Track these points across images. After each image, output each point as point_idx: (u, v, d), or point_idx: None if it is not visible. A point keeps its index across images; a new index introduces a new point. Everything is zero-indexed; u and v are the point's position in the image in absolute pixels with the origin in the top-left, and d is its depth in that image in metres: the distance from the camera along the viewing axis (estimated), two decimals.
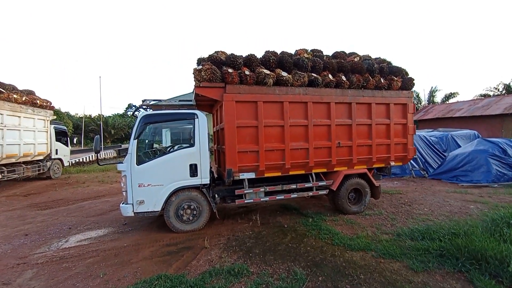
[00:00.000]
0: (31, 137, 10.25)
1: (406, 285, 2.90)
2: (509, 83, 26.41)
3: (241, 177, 4.73)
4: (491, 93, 27.02)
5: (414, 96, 28.73)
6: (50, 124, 11.57)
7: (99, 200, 7.62)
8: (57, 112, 24.44)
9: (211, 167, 4.94)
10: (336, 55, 5.76)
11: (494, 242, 3.20)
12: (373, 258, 3.53)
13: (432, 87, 30.69)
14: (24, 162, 10.26)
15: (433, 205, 6.04)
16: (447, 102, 27.39)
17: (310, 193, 5.24)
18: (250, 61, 4.81)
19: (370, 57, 6.00)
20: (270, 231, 4.69)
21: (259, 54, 5.11)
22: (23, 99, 9.85)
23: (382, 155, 5.56)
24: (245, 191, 4.86)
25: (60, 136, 12.57)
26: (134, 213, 4.45)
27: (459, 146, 10.54)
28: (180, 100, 5.23)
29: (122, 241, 4.45)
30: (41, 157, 11.06)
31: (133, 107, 54.92)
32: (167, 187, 4.52)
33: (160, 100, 5.07)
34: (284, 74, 4.82)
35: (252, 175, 4.81)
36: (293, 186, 5.12)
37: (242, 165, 4.67)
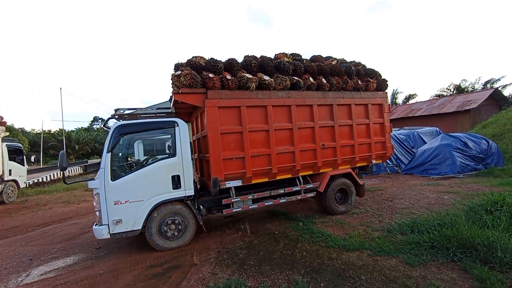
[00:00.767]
0: None
1: (407, 280, 2.91)
2: (459, 84, 29.49)
3: (227, 186, 4.57)
4: (445, 93, 29.91)
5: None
6: (2, 141, 10.28)
7: (65, 223, 6.83)
8: (9, 129, 22.00)
9: (194, 178, 4.70)
10: (315, 58, 5.88)
11: (479, 230, 3.37)
12: (370, 257, 3.52)
13: (394, 90, 33.15)
14: None
15: (412, 198, 6.33)
16: (408, 103, 29.71)
17: (299, 197, 5.21)
18: (231, 65, 4.70)
19: (345, 60, 6.20)
20: (261, 239, 4.52)
21: (239, 58, 5.04)
22: None
23: (364, 154, 5.72)
24: (233, 200, 4.70)
25: (15, 154, 11.20)
26: (110, 234, 4.03)
27: (425, 142, 11.36)
28: (157, 108, 4.90)
29: (97, 268, 3.96)
30: None
31: (99, 120, 51.77)
32: (148, 202, 4.18)
33: (135, 109, 4.71)
34: (266, 78, 4.79)
35: (239, 183, 4.67)
36: (281, 191, 5.05)
37: (228, 173, 4.52)
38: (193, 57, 4.89)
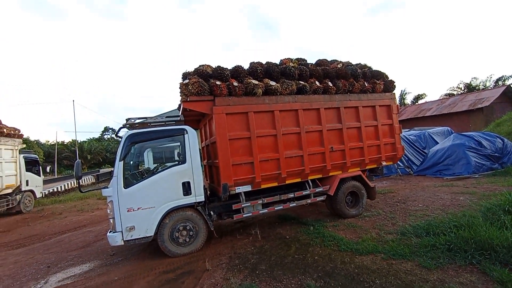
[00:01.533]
0: None
1: (424, 284, 2.84)
2: (470, 82, 28.83)
3: (237, 191, 4.59)
4: (455, 92, 29.27)
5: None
6: (19, 153, 10.68)
7: (80, 231, 6.99)
8: (26, 141, 22.83)
9: (204, 184, 4.75)
10: (320, 62, 5.92)
11: (497, 231, 3.27)
12: (384, 261, 3.46)
13: (402, 90, 32.67)
14: None
15: (426, 200, 6.19)
16: (417, 103, 29.20)
17: (309, 201, 5.19)
18: (237, 72, 4.79)
19: (351, 63, 6.22)
20: (272, 244, 4.50)
21: (244, 65, 5.13)
22: None
23: (373, 156, 5.68)
24: (243, 205, 4.72)
25: (31, 165, 11.61)
26: (124, 241, 4.10)
27: (437, 143, 11.11)
28: (167, 117, 5.00)
29: (112, 275, 4.03)
30: (9, 190, 10.08)
31: (110, 130, 53.03)
32: (160, 208, 4.25)
33: (145, 118, 4.83)
34: (273, 83, 4.84)
35: (248, 188, 4.69)
36: (291, 195, 5.05)
37: (238, 178, 4.55)
38: (200, 65, 5.01)
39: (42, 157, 30.10)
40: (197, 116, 5.87)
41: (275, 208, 4.99)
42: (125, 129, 4.65)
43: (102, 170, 28.82)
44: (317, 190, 5.26)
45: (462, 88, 29.11)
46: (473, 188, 6.84)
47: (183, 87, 4.44)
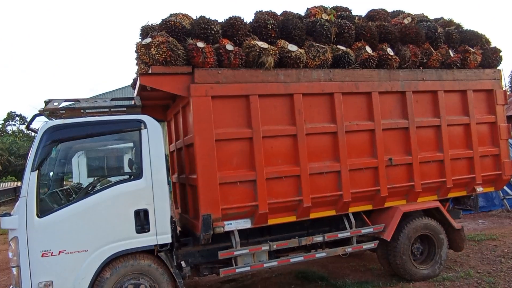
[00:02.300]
0: None
1: None
2: None
3: (227, 229, 4.62)
4: None
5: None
6: None
7: None
8: None
9: (172, 215, 4.78)
10: (373, 14, 5.95)
11: None
12: None
13: None
14: None
15: None
16: None
17: (349, 249, 5.19)
18: (233, 28, 4.81)
19: (426, 17, 6.23)
20: None
21: (246, 18, 5.18)
22: None
23: (461, 176, 5.65)
24: (236, 253, 4.72)
25: None
26: None
27: None
28: (113, 99, 5.05)
29: None
30: None
31: (18, 118, 53.49)
32: (96, 254, 4.26)
33: (77, 100, 4.89)
34: (293, 48, 4.85)
35: (246, 224, 4.72)
36: (319, 238, 5.05)
37: (229, 207, 4.58)
38: (171, 15, 5.05)
39: None
40: (163, 100, 5.91)
41: (291, 260, 4.97)
42: (43, 119, 4.70)
43: (1, 185, 29.07)
44: (364, 231, 5.24)
45: None
46: None
47: (142, 51, 4.47)
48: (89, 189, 4.98)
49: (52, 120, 4.65)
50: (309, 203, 4.83)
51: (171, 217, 4.66)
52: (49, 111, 4.77)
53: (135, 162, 4.84)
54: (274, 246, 4.87)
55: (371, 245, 5.30)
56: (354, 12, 5.98)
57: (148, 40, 4.49)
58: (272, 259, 4.93)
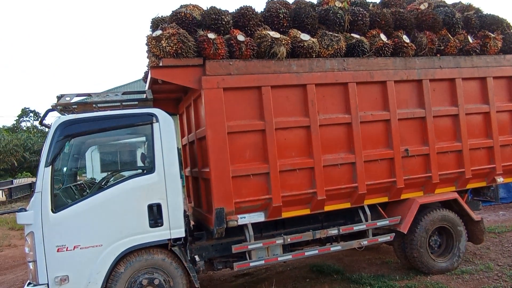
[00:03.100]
0: None
1: None
2: None
3: (240, 222, 4.64)
4: None
5: None
6: None
7: None
8: None
9: (185, 209, 4.82)
10: (388, 1, 5.84)
11: None
12: None
13: None
14: None
15: None
16: None
17: (364, 242, 5.18)
18: (244, 18, 4.79)
19: (444, 2, 6.11)
20: None
21: (257, 7, 5.14)
22: None
23: (480, 166, 5.60)
24: (250, 246, 4.74)
25: None
26: None
27: None
28: (124, 93, 5.09)
29: None
30: None
31: (32, 114, 54.37)
32: (110, 248, 4.32)
33: (89, 95, 4.92)
34: (305, 37, 4.83)
35: (260, 217, 4.74)
36: (334, 231, 5.05)
37: (242, 201, 4.60)
38: (181, 6, 5.04)
39: None
40: (175, 93, 5.93)
41: (306, 254, 5.00)
42: (56, 114, 4.75)
43: (17, 181, 29.63)
44: (379, 223, 5.23)
45: None
46: None
47: (153, 44, 4.48)
48: (103, 183, 5.03)
49: (64, 115, 4.70)
50: (323, 196, 4.82)
51: (184, 211, 4.70)
52: (62, 106, 4.82)
53: (147, 156, 4.88)
54: (288, 240, 4.89)
55: (387, 237, 5.28)
56: None
57: (159, 32, 4.51)
58: (287, 253, 4.95)
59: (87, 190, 5.07)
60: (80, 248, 4.23)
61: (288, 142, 4.77)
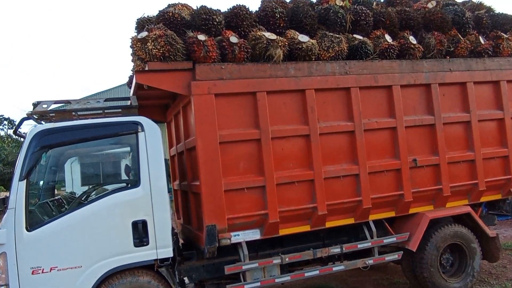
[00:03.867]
0: None
1: None
2: None
3: (234, 241, 4.63)
4: None
5: None
6: None
7: None
8: None
9: (173, 226, 4.82)
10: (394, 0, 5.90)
11: None
12: None
13: None
14: None
15: None
16: None
17: (370, 261, 5.16)
18: (237, 18, 4.83)
19: (454, 0, 6.16)
20: None
21: (252, 6, 5.21)
22: None
23: (495, 177, 5.62)
24: (244, 267, 4.71)
25: None
26: None
27: None
28: (106, 100, 5.10)
29: None
30: None
31: (6, 122, 54.05)
32: (90, 270, 4.29)
33: (68, 102, 4.93)
34: (304, 38, 4.87)
35: (255, 235, 4.75)
36: (336, 250, 5.04)
37: (235, 217, 4.61)
38: (169, 5, 5.07)
39: None
40: (162, 100, 5.96)
41: (306, 274, 4.98)
42: (32, 122, 4.75)
43: None
44: (386, 241, 5.23)
45: None
46: None
47: (138, 46, 4.51)
48: (83, 198, 5.01)
49: (41, 124, 4.69)
50: (324, 211, 4.82)
51: (173, 229, 4.70)
52: (38, 114, 4.81)
53: (132, 168, 4.87)
54: (287, 259, 4.86)
55: (395, 256, 5.27)
56: None
57: (144, 34, 4.53)
58: (285, 274, 4.92)
59: (66, 206, 5.04)
60: (58, 270, 4.20)
61: (285, 152, 4.78)
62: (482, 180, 5.52)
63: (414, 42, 5.32)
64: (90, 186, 5.81)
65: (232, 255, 4.85)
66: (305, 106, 4.84)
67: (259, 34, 4.73)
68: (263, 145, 4.65)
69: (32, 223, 4.25)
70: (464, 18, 5.64)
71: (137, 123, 4.60)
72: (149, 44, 4.41)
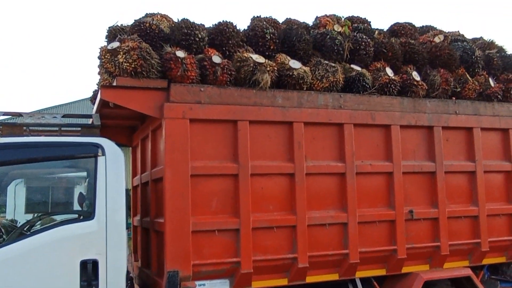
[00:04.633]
0: None
1: None
2: None
3: None
4: None
5: None
6: None
7: None
8: None
9: (128, 269, 4.78)
10: (398, 29, 6.04)
11: None
12: None
13: None
14: None
15: None
16: None
17: None
18: (222, 36, 4.85)
19: (462, 36, 6.31)
20: None
21: (241, 25, 5.25)
22: None
23: (500, 237, 5.65)
24: None
25: None
26: None
27: None
28: (65, 116, 5.03)
29: None
30: None
31: None
32: None
33: (19, 115, 4.84)
34: (296, 64, 4.89)
35: (223, 285, 4.67)
36: None
37: (202, 263, 4.51)
38: (147, 15, 5.08)
39: None
40: (129, 120, 5.90)
41: None
42: None
43: None
44: None
45: None
46: None
47: (107, 58, 4.49)
48: (25, 229, 4.84)
49: None
50: (305, 263, 4.74)
51: (128, 272, 4.58)
52: None
53: (87, 197, 4.75)
54: None
55: None
56: (374, 25, 6.08)
57: (116, 44, 4.50)
58: None
59: (4, 236, 4.87)
60: None
61: (265, 192, 4.74)
62: (486, 240, 5.51)
63: (418, 78, 5.40)
64: (36, 215, 5.65)
65: None
66: (291, 140, 4.82)
67: (246, 55, 4.74)
68: (240, 182, 4.59)
69: None
70: (473, 57, 5.76)
71: (97, 146, 4.50)
72: (120, 56, 4.38)
